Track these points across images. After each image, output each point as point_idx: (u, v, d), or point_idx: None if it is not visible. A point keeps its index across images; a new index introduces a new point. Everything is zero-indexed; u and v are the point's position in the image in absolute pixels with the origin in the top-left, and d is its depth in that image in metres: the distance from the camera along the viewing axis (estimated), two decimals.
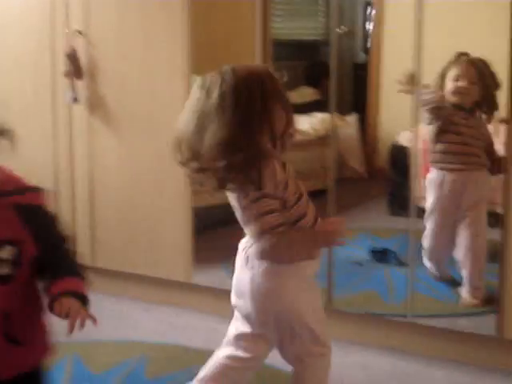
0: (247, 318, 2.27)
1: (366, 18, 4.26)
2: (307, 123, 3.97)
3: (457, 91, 3.22)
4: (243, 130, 2.00)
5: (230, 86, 2.01)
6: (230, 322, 3.09)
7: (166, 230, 3.42)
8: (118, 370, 2.85)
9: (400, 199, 3.35)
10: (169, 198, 3.38)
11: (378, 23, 4.10)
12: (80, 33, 3.49)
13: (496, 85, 3.18)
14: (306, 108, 4.04)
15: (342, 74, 3.80)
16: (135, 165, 3.47)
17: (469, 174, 3.24)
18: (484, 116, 3.24)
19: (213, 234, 3.49)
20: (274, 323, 2.21)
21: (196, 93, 2.07)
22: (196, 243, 3.40)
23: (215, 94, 2.01)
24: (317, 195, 3.68)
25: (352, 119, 4.12)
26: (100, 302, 3.55)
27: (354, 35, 4.32)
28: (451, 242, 3.28)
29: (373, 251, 3.63)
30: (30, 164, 3.73)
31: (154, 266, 3.47)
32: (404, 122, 3.20)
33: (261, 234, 2.07)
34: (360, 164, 4.14)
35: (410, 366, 2.94)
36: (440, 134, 3.24)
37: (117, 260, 3.59)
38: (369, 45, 4.24)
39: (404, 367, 2.93)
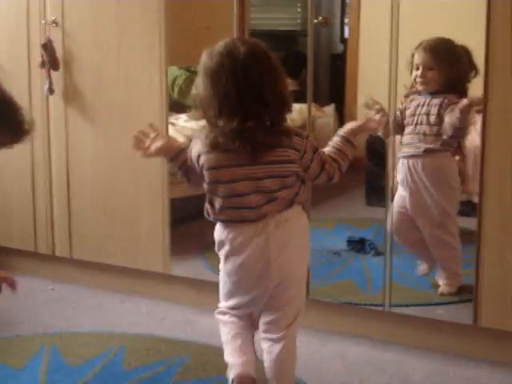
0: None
1: (343, 8, 4.26)
2: None
3: (417, 80, 3.23)
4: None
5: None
6: (207, 313, 3.10)
7: (143, 221, 3.42)
8: (95, 362, 2.85)
9: (377, 189, 3.36)
10: (146, 188, 3.37)
11: (355, 13, 4.10)
12: (55, 23, 3.47)
13: (460, 68, 3.18)
14: None
15: (319, 65, 3.81)
16: (112, 155, 3.46)
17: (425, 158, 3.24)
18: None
19: (190, 225, 3.49)
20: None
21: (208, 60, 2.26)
22: (174, 234, 3.39)
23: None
24: None
25: (330, 110, 4.12)
26: (77, 293, 3.58)
27: (332, 26, 4.31)
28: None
29: (350, 241, 3.64)
30: (7, 155, 3.71)
31: (132, 258, 3.47)
32: None
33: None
34: None
35: (388, 354, 2.96)
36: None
37: (94, 251, 3.58)
38: (346, 35, 4.24)
39: (381, 356, 2.94)
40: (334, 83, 4.26)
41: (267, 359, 2.40)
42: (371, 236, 3.47)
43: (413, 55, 3.23)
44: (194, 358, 2.89)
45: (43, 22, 3.49)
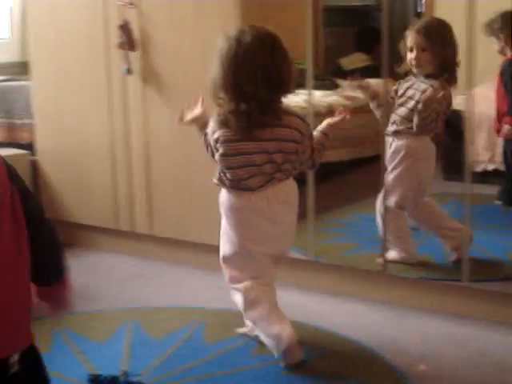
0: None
1: None
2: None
3: (410, 62, 3.22)
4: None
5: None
6: (285, 288, 3.13)
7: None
8: (177, 336, 2.91)
9: (454, 164, 3.33)
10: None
11: None
12: (132, 4, 3.52)
13: (452, 51, 3.15)
14: (359, 74, 4.02)
15: (393, 39, 3.77)
16: (189, 134, 3.49)
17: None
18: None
19: None
20: None
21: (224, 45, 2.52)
22: None
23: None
24: (370, 161, 3.69)
25: None
26: (158, 269, 3.64)
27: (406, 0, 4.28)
28: None
29: None
30: (87, 135, 3.80)
31: (211, 234, 3.51)
32: (458, 86, 3.17)
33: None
34: None
35: (466, 329, 2.94)
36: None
37: (174, 228, 3.64)
38: (420, 9, 4.20)
39: (460, 331, 2.93)
40: None
41: None
42: (450, 211, 3.44)
43: (405, 38, 3.23)
44: None
45: (120, 3, 3.55)
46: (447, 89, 3.17)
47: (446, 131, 3.68)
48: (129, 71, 3.56)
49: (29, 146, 4.08)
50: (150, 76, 3.56)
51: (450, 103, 3.22)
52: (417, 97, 3.18)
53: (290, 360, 2.62)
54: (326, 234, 3.58)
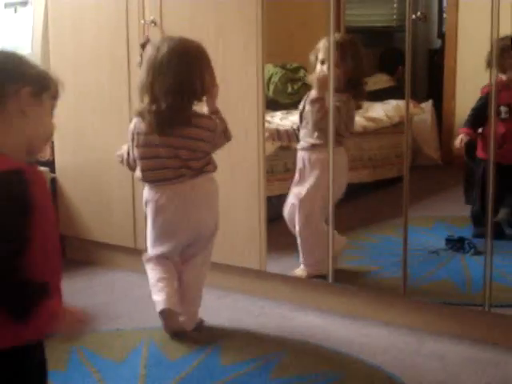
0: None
1: (440, 3, 4.20)
2: (382, 110, 3.94)
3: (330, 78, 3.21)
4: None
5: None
6: (303, 310, 3.11)
7: (240, 219, 3.44)
8: (193, 357, 2.89)
9: (477, 187, 3.30)
10: (242, 186, 3.40)
11: (453, 8, 4.04)
12: (154, 23, 3.53)
13: (361, 68, 3.21)
14: (381, 95, 4.01)
15: (417, 61, 3.76)
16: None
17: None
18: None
19: (285, 222, 3.49)
20: None
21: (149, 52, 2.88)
22: (269, 231, 3.41)
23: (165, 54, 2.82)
24: (391, 183, 3.67)
25: (427, 106, 4.07)
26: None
27: (429, 21, 4.26)
28: None
29: (448, 240, 3.58)
30: (107, 153, 3.80)
31: (229, 255, 3.50)
32: None
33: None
34: (435, 151, 4.09)
35: (487, 355, 2.89)
36: None
37: None
38: (444, 30, 4.18)
39: (481, 357, 2.88)
40: (432, 79, 4.21)
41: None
42: (471, 235, 3.40)
43: (317, 50, 3.25)
44: (290, 354, 2.89)
45: (142, 21, 3.56)
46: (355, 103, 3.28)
47: (468, 154, 3.65)
48: None
49: (48, 163, 4.08)
50: None
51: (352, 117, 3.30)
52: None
53: (167, 326, 3.02)
54: (346, 257, 3.55)
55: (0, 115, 1.71)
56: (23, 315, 1.66)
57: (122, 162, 3.09)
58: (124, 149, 3.06)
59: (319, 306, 3.30)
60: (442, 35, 4.18)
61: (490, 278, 3.02)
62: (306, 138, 3.33)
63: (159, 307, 2.97)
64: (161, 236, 3.03)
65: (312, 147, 3.31)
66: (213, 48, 3.41)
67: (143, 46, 3.52)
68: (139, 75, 2.91)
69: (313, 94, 3.23)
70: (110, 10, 3.67)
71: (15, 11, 4.25)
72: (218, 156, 3.31)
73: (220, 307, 3.41)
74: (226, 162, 3.39)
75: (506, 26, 2.98)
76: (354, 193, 3.69)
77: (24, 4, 4.19)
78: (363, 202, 3.92)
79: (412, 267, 3.21)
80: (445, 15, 4.14)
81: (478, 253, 3.39)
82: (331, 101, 3.17)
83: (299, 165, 3.37)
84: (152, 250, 3.07)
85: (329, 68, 3.19)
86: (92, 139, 3.85)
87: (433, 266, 3.47)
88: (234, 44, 3.34)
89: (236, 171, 3.39)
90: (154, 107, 2.84)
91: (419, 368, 2.81)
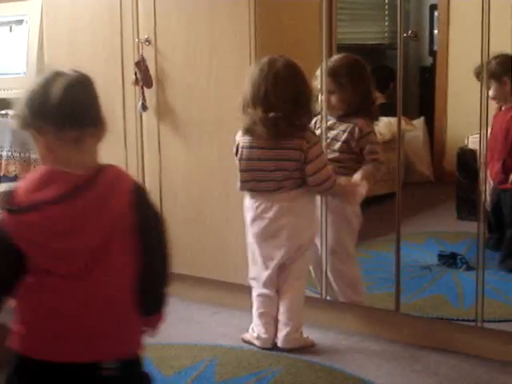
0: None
1: (432, 21, 4.23)
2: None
3: (323, 105, 3.23)
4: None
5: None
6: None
7: (233, 235, 3.46)
8: (187, 373, 2.90)
9: (468, 203, 3.32)
10: (236, 202, 3.41)
11: (444, 26, 4.07)
12: (148, 42, 3.56)
13: (363, 91, 3.19)
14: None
15: (408, 78, 3.79)
16: (203, 170, 3.52)
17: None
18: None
19: None
20: None
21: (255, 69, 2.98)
22: None
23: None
24: (384, 199, 3.69)
25: (419, 123, 4.09)
26: (169, 305, 3.62)
27: (420, 39, 4.29)
28: None
29: (441, 255, 3.60)
30: None
31: (223, 271, 3.51)
32: (472, 126, 3.17)
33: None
34: (427, 168, 4.11)
35: (480, 370, 2.91)
36: None
37: (186, 264, 3.63)
38: (435, 48, 4.21)
39: (474, 372, 2.90)
40: (423, 96, 4.23)
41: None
42: (463, 250, 3.42)
43: (315, 78, 3.24)
44: (285, 370, 2.91)
45: (136, 40, 3.59)
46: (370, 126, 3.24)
47: (460, 170, 3.68)
48: (144, 107, 3.58)
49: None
50: (165, 112, 3.59)
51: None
52: (341, 137, 3.21)
53: None
54: None
55: None
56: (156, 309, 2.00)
57: None
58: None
59: (313, 322, 3.31)
60: (433, 53, 4.22)
61: (483, 294, 3.05)
62: None
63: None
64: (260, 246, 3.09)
65: None
66: (206, 67, 3.45)
67: (138, 64, 3.56)
68: (245, 90, 2.97)
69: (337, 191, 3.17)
70: (104, 29, 3.70)
71: (10, 30, 4.27)
72: (215, 171, 3.34)
73: (214, 323, 3.42)
74: (221, 178, 3.42)
75: (496, 44, 3.01)
76: None
77: (19, 23, 4.22)
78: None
79: (404, 282, 3.23)
80: (436, 33, 4.18)
81: (470, 268, 3.41)
82: (323, 124, 3.21)
83: None
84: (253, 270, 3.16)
85: (321, 85, 3.23)
86: None
87: (425, 282, 3.49)
88: (228, 63, 3.37)
89: (230, 188, 3.41)
90: (271, 114, 2.91)
91: (413, 383, 2.82)
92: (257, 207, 3.03)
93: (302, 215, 3.04)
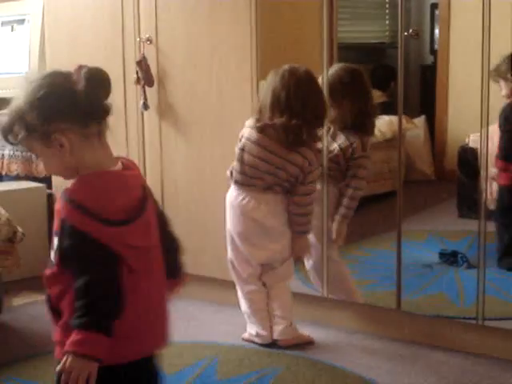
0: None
1: (432, 20, 4.23)
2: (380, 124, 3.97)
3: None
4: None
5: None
6: (300, 325, 3.12)
7: None
8: (189, 371, 2.90)
9: (469, 201, 3.32)
10: None
11: (445, 25, 4.08)
12: (150, 41, 3.57)
13: (362, 104, 3.20)
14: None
15: (409, 77, 3.79)
16: (204, 169, 3.53)
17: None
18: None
19: None
20: None
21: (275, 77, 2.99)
22: None
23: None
24: (385, 198, 3.70)
25: (420, 121, 4.10)
26: (173, 303, 3.63)
27: (421, 37, 4.30)
28: None
29: (442, 253, 3.61)
30: None
31: (225, 269, 3.51)
32: (473, 124, 3.18)
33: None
34: (428, 166, 4.11)
35: (481, 368, 2.91)
36: None
37: (188, 263, 3.63)
38: (436, 46, 4.22)
39: (475, 369, 2.90)
40: (424, 95, 4.23)
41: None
42: (464, 248, 3.43)
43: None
44: (286, 368, 2.91)
45: (138, 39, 3.60)
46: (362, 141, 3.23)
47: (461, 169, 3.69)
48: (145, 106, 3.59)
49: (45, 180, 4.11)
50: (166, 111, 3.59)
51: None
52: (335, 151, 3.25)
53: None
54: None
55: None
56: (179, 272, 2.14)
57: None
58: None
59: (314, 320, 3.32)
60: (434, 51, 4.22)
61: (484, 292, 3.05)
62: None
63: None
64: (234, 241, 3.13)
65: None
66: (207, 66, 3.45)
67: (139, 63, 3.56)
68: (263, 96, 3.00)
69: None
70: (106, 28, 3.71)
71: (12, 29, 4.28)
72: (216, 169, 3.35)
73: (216, 321, 3.42)
74: (222, 176, 3.42)
75: (497, 42, 3.01)
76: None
77: (21, 22, 4.23)
78: (356, 216, 3.94)
79: (406, 280, 3.23)
80: (437, 31, 4.18)
81: (471, 266, 3.42)
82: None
83: None
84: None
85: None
86: None
87: (426, 280, 3.50)
88: (229, 61, 3.38)
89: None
90: (294, 121, 2.91)
91: (414, 381, 2.83)
92: (244, 205, 3.03)
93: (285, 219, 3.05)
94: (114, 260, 1.72)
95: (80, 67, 1.79)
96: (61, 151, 1.75)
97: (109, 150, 1.84)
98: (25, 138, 1.74)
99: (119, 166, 1.83)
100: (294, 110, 2.91)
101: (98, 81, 1.78)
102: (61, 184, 4.06)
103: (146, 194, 1.85)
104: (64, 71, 1.80)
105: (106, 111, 1.81)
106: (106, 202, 1.74)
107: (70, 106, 1.73)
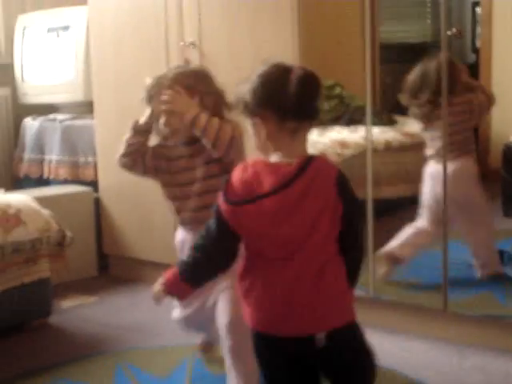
0: None
1: (474, 19, 4.22)
2: (418, 125, 3.96)
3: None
4: None
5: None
6: None
7: None
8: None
9: None
10: None
11: (487, 23, 4.06)
12: (193, 45, 3.60)
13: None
14: None
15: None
16: None
17: None
18: None
19: None
20: None
21: None
22: None
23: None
24: None
25: None
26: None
27: (463, 36, 4.28)
28: None
29: None
30: None
31: None
32: None
33: None
34: None
35: None
36: None
37: None
38: (478, 45, 4.20)
39: None
40: None
41: None
42: (509, 247, 3.41)
43: None
44: None
45: (182, 43, 3.63)
46: None
47: (505, 167, 3.66)
48: None
49: (92, 184, 4.16)
50: None
51: None
52: None
53: None
54: None
55: None
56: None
57: None
58: None
59: (360, 320, 3.32)
60: (476, 50, 4.20)
61: None
62: None
63: None
64: None
65: None
66: (250, 69, 3.46)
67: None
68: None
69: None
70: (150, 32, 3.76)
71: (57, 36, 4.35)
72: None
73: None
74: None
75: None
76: (392, 207, 3.73)
77: (66, 29, 4.30)
78: (400, 216, 3.94)
79: (453, 280, 3.23)
80: (479, 30, 4.16)
81: None
82: None
83: None
84: None
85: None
86: None
87: (473, 279, 3.48)
88: None
89: None
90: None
91: (462, 382, 2.82)
92: None
93: None
94: (228, 233, 1.95)
95: (298, 68, 1.96)
96: (257, 134, 1.95)
97: (299, 145, 1.94)
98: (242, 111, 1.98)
99: (302, 160, 1.91)
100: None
101: (307, 86, 1.93)
102: (107, 188, 4.14)
103: (283, 186, 1.89)
104: (287, 66, 1.99)
105: (305, 113, 1.93)
106: (237, 183, 1.93)
107: (275, 100, 1.91)
